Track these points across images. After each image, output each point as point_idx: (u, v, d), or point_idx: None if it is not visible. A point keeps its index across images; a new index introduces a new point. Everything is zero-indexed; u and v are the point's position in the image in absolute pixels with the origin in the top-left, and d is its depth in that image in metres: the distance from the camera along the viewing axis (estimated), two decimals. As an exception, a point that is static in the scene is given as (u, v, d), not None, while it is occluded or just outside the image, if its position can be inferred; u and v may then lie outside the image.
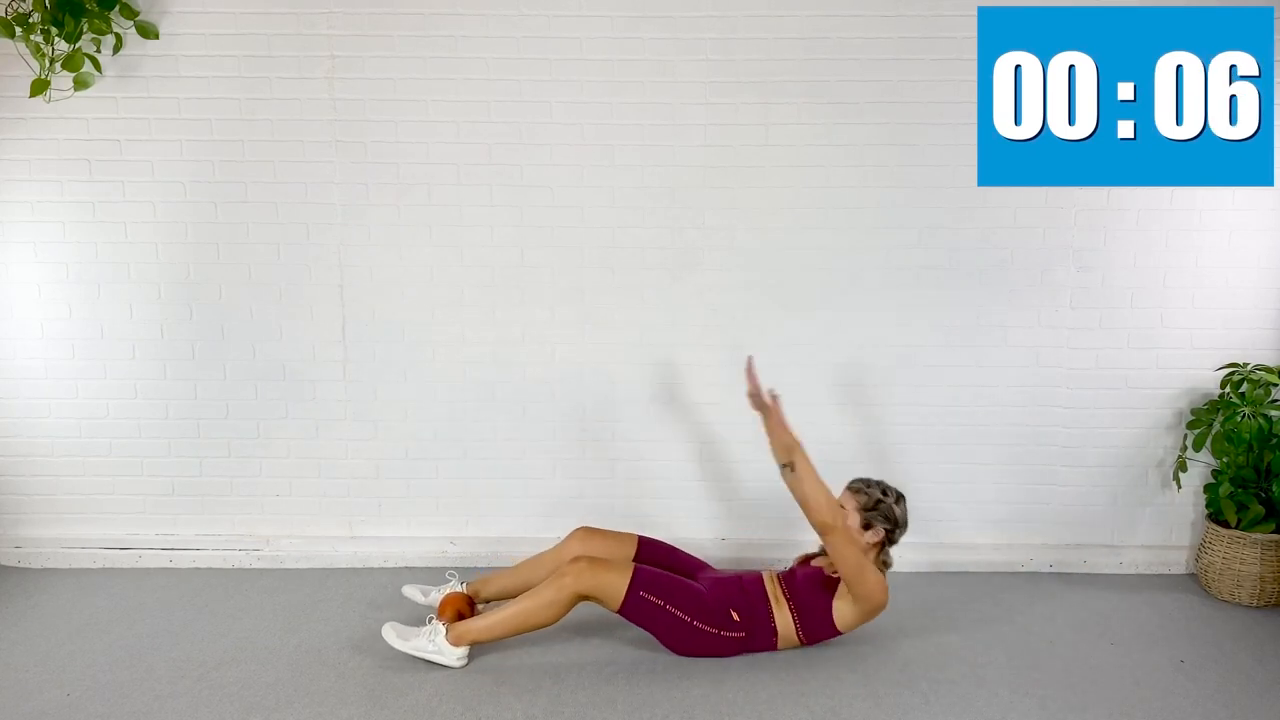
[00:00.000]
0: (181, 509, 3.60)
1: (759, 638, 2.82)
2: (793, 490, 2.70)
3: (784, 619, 2.80)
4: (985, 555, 3.58)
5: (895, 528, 2.80)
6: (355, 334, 3.51)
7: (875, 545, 2.80)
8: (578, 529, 3.05)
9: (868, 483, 2.85)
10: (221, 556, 3.59)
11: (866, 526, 2.79)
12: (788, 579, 2.89)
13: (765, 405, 2.78)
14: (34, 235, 3.43)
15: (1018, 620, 3.14)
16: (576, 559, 2.76)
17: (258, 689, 2.63)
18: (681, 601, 2.76)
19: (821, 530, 2.68)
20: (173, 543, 3.60)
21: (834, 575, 2.80)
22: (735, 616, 2.79)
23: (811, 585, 2.82)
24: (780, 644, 2.84)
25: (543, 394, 3.55)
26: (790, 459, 2.70)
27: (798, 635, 2.82)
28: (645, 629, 2.81)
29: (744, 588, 2.86)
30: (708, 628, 2.76)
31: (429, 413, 3.55)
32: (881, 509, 2.78)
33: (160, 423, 3.54)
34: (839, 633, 2.83)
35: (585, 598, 2.72)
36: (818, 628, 2.81)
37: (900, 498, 2.84)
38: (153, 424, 3.54)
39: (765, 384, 2.82)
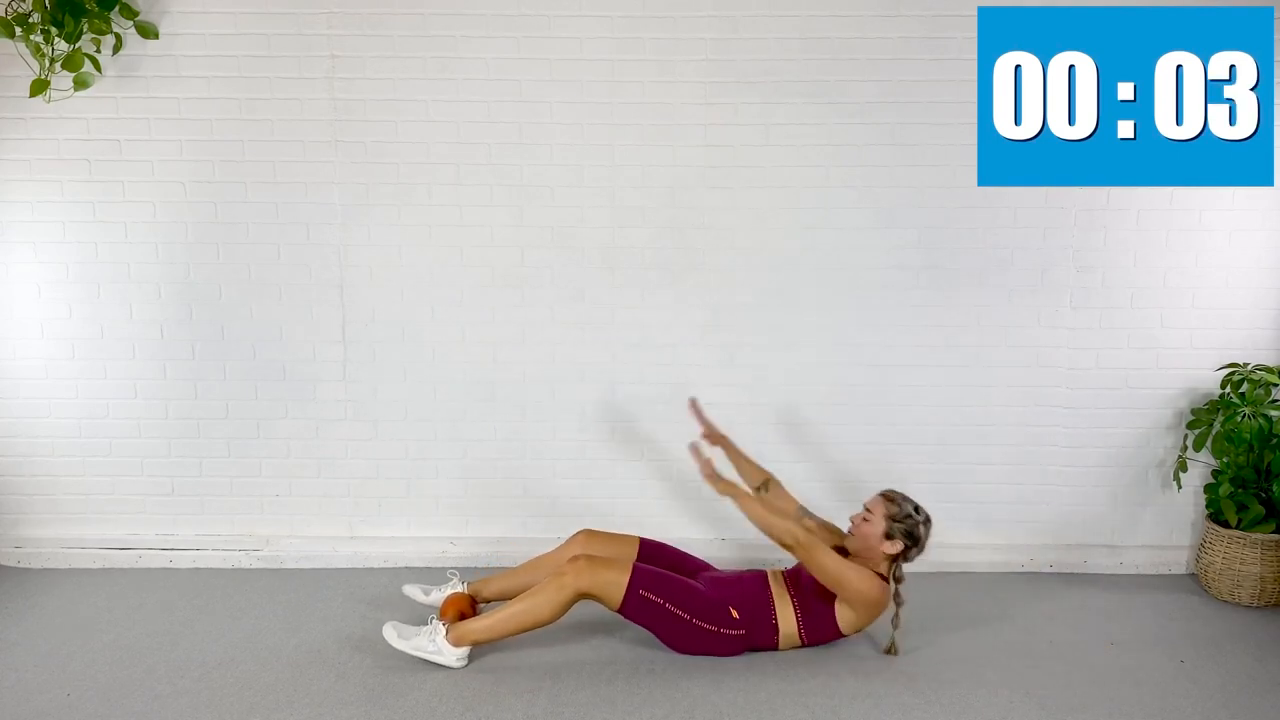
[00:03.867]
0: (181, 509, 3.60)
1: (759, 635, 2.82)
2: (754, 514, 2.76)
3: (786, 616, 2.81)
4: (985, 555, 3.58)
5: (914, 545, 2.81)
6: (355, 334, 3.51)
7: (890, 556, 2.82)
8: (579, 531, 3.06)
9: (904, 497, 2.85)
10: (221, 556, 3.58)
11: (888, 536, 2.79)
12: (793, 576, 2.89)
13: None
14: (34, 235, 3.43)
15: (1018, 620, 3.14)
16: (576, 558, 2.77)
17: (258, 689, 2.63)
18: (681, 600, 2.76)
19: (789, 549, 2.73)
20: (173, 543, 3.60)
21: None
22: (735, 614, 2.79)
23: (817, 585, 2.81)
24: (781, 644, 2.84)
25: (543, 394, 3.55)
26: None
27: (800, 634, 2.82)
28: (646, 628, 2.81)
29: (744, 585, 2.87)
30: (707, 625, 2.77)
31: (429, 413, 3.55)
32: (907, 524, 2.79)
33: (160, 423, 3.54)
34: (842, 634, 2.83)
35: (585, 596, 2.72)
36: (820, 628, 2.81)
37: (928, 520, 2.84)
38: (153, 424, 3.54)
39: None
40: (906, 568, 2.85)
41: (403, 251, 3.47)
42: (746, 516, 2.79)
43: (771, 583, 2.87)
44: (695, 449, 2.85)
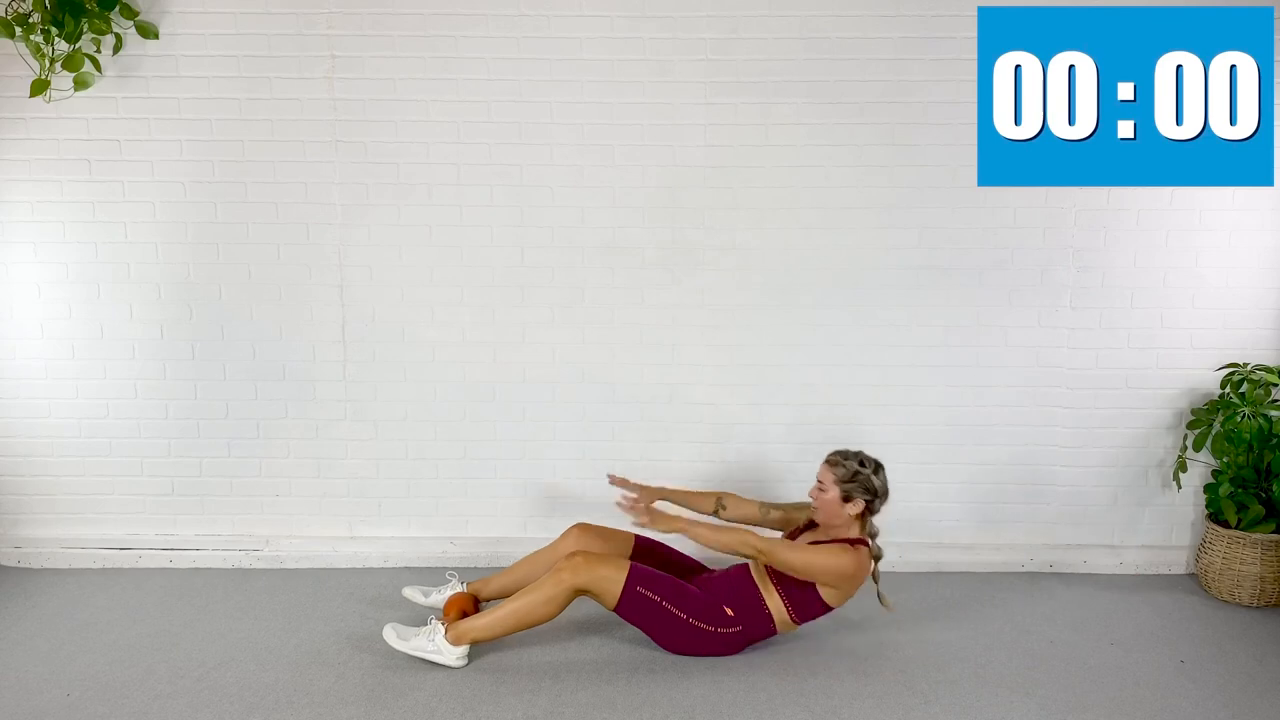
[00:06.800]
0: (181, 509, 3.60)
1: (756, 627, 2.82)
2: (706, 540, 2.73)
3: (775, 603, 2.80)
4: (985, 555, 3.58)
5: (875, 497, 2.80)
6: (355, 334, 3.51)
7: (857, 517, 2.81)
8: (574, 525, 3.06)
9: (845, 454, 2.82)
10: (221, 556, 3.59)
11: (846, 499, 2.78)
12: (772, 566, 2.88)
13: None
14: (34, 235, 3.43)
15: (1018, 620, 3.14)
16: (573, 554, 2.77)
17: (258, 689, 2.63)
18: (678, 600, 2.76)
19: (752, 559, 2.74)
20: (173, 543, 3.60)
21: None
22: (729, 611, 2.79)
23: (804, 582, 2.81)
24: (779, 628, 2.84)
25: (543, 394, 3.54)
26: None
27: (791, 617, 2.81)
28: (640, 627, 2.81)
29: (731, 581, 2.87)
30: (705, 625, 2.77)
31: (429, 413, 3.55)
32: (860, 480, 2.77)
33: (160, 423, 3.54)
34: (829, 608, 2.81)
35: (582, 592, 2.73)
36: (807, 607, 2.80)
37: (878, 467, 2.82)
38: (153, 424, 3.54)
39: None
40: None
41: (403, 251, 3.47)
42: (701, 545, 2.76)
43: (754, 572, 2.86)
44: (626, 506, 2.84)
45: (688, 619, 2.76)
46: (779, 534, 3.04)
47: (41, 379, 3.51)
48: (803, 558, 2.72)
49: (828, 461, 2.84)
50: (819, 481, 2.83)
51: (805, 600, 2.79)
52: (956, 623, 3.11)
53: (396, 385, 3.54)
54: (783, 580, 2.79)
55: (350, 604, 3.24)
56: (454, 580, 3.11)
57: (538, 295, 3.49)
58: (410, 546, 3.61)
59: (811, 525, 2.94)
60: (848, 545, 2.76)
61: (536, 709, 2.53)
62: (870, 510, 2.81)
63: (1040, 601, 3.30)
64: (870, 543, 2.81)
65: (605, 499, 3.54)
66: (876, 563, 2.82)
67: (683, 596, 2.77)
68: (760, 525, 3.06)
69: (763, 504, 3.10)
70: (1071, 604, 3.28)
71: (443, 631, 2.74)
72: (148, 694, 2.60)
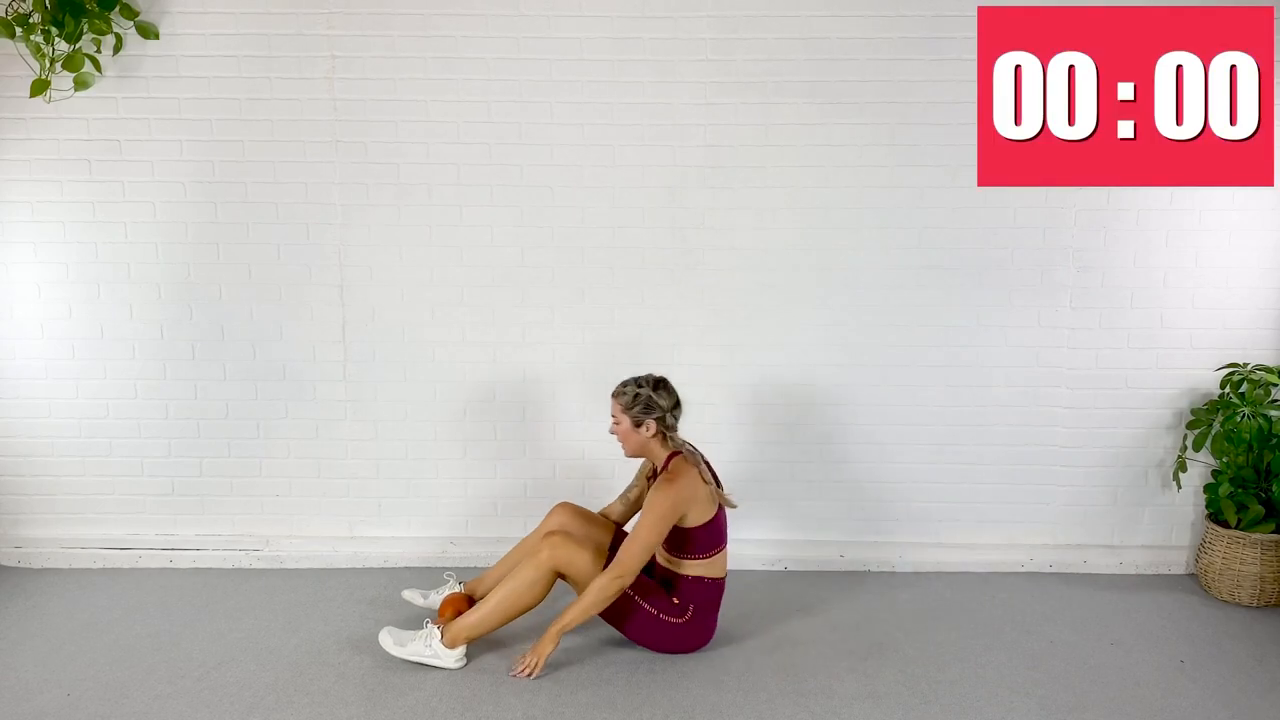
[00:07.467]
0: (181, 509, 3.60)
1: (699, 596, 2.81)
2: (588, 612, 2.70)
3: (691, 565, 2.80)
4: (985, 555, 3.58)
5: (664, 412, 2.79)
6: (355, 334, 3.51)
7: (656, 436, 2.81)
8: (558, 504, 3.06)
9: (625, 383, 2.83)
10: (221, 556, 3.58)
11: (638, 424, 2.79)
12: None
13: (535, 655, 2.72)
14: (34, 235, 3.43)
15: (1018, 620, 3.14)
16: (551, 533, 2.79)
17: (258, 689, 2.63)
18: (649, 595, 2.78)
19: (628, 581, 2.69)
20: (173, 543, 3.60)
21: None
22: (676, 601, 2.80)
23: (669, 535, 2.79)
24: (714, 573, 2.82)
25: (543, 394, 3.54)
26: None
27: (708, 559, 2.80)
28: (613, 622, 2.82)
29: (661, 573, 2.89)
30: (674, 620, 2.78)
31: (429, 413, 3.55)
32: (641, 399, 2.77)
33: (160, 423, 3.54)
34: (717, 523, 2.79)
35: (560, 574, 2.74)
36: (704, 540, 2.78)
37: (658, 383, 2.81)
38: (153, 424, 3.54)
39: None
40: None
41: (403, 251, 3.47)
42: (586, 618, 2.73)
43: (660, 560, 2.89)
44: (521, 672, 2.70)
45: (658, 614, 2.78)
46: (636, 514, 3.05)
47: (41, 379, 3.51)
48: (645, 534, 2.69)
49: (613, 395, 2.84)
50: (612, 418, 2.84)
51: (696, 540, 2.77)
52: (956, 623, 3.11)
53: (396, 385, 3.54)
54: (670, 546, 2.80)
55: (350, 604, 3.24)
56: (451, 581, 3.11)
57: (538, 295, 3.49)
58: (410, 546, 3.61)
59: (655, 474, 2.92)
60: (664, 474, 2.76)
61: (536, 709, 2.53)
62: (665, 425, 2.81)
63: (1040, 601, 3.30)
64: (682, 451, 2.81)
65: (605, 499, 3.55)
66: (701, 466, 2.80)
67: (653, 592, 2.80)
68: (634, 513, 3.09)
69: (621, 498, 3.14)
70: (1071, 604, 3.28)
71: (438, 635, 2.74)
72: (148, 694, 2.60)
